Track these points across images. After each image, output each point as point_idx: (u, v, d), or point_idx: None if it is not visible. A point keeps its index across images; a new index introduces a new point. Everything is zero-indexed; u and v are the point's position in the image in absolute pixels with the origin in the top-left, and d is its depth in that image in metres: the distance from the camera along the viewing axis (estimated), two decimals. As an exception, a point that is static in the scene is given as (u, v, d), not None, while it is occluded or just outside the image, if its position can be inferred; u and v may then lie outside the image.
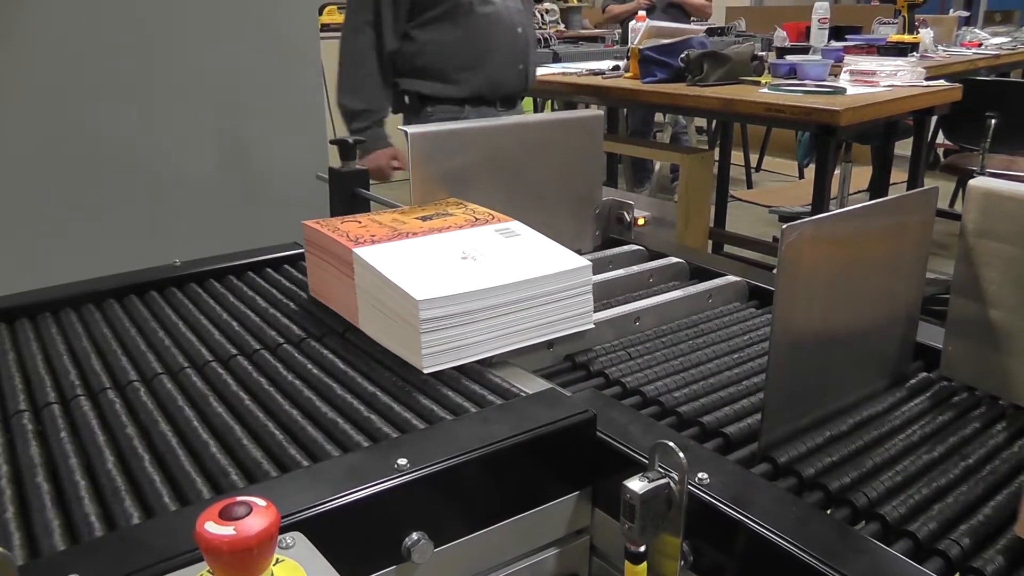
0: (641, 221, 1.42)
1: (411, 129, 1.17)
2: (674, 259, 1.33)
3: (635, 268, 1.29)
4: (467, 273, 0.92)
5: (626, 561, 0.69)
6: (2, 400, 0.89)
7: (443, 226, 1.06)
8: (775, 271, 0.78)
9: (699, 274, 1.31)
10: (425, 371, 0.87)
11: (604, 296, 1.22)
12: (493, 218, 1.10)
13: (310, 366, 0.94)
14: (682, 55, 2.90)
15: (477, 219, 1.09)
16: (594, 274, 1.28)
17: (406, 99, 2.53)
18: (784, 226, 0.75)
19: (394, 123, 2.09)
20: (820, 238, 0.79)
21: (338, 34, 2.53)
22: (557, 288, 0.96)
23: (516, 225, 1.08)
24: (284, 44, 2.33)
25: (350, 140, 1.52)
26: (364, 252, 0.95)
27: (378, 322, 0.95)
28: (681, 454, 0.66)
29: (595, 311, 1.14)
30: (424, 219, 1.09)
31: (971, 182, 0.92)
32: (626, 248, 1.39)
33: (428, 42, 2.38)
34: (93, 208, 2.08)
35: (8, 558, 0.48)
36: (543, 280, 0.94)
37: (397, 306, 0.89)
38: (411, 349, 0.89)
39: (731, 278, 1.24)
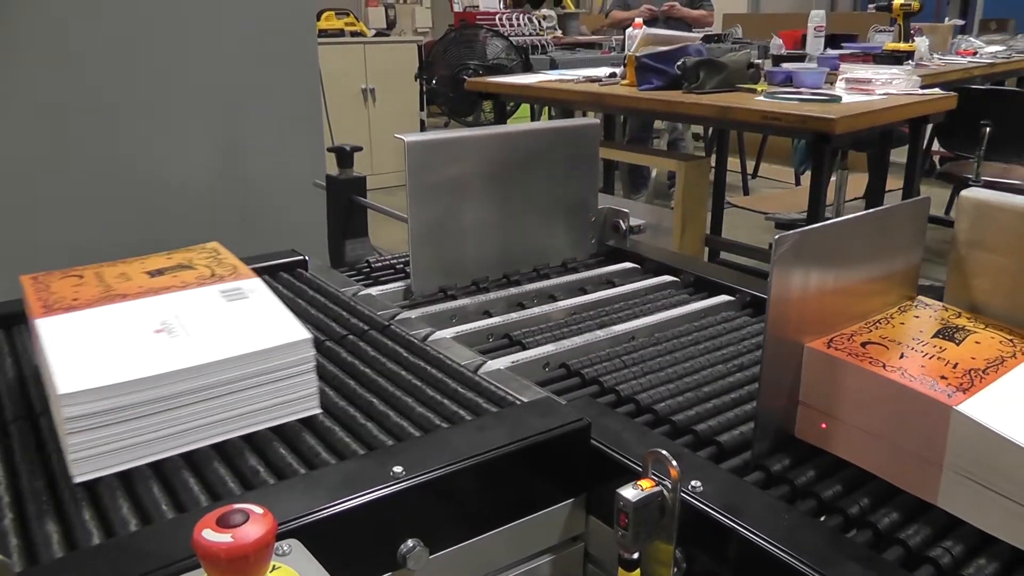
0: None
1: (407, 137, 1.18)
2: (667, 278, 1.33)
3: (628, 287, 1.29)
4: (149, 353, 0.77)
5: (620, 568, 0.69)
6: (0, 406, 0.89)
7: (164, 286, 0.93)
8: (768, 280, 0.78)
9: (694, 284, 1.32)
10: (76, 480, 0.72)
11: (600, 315, 1.20)
12: (233, 274, 0.97)
13: (307, 373, 0.94)
14: (679, 63, 2.91)
15: (212, 275, 0.97)
16: (588, 292, 1.29)
17: None
18: (775, 237, 0.75)
19: (388, 133, 2.08)
20: (812, 248, 0.80)
21: (335, 40, 2.53)
22: (263, 369, 0.80)
23: (250, 285, 0.94)
24: (281, 50, 2.34)
25: (347, 148, 1.53)
26: (46, 323, 0.82)
27: (54, 407, 0.79)
28: (674, 462, 0.67)
29: (592, 329, 1.14)
30: (154, 274, 0.97)
31: (962, 193, 0.93)
32: (620, 266, 1.39)
33: None
34: (90, 215, 2.08)
35: (7, 565, 0.49)
36: (241, 361, 0.78)
37: (54, 395, 0.74)
38: (65, 449, 0.73)
39: (724, 298, 1.25)
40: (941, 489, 0.75)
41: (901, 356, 0.82)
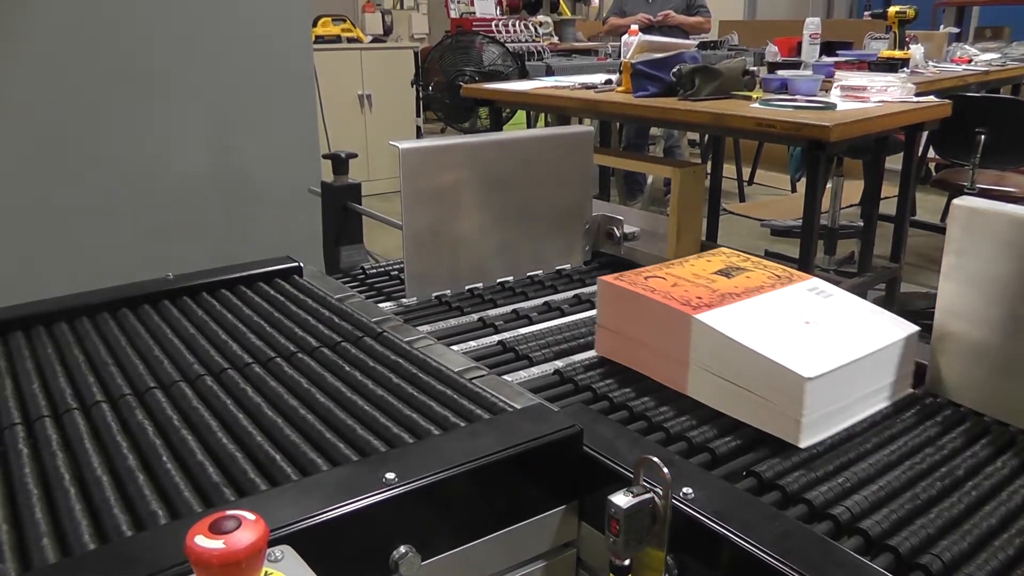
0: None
1: (402, 144, 1.18)
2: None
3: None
4: None
5: (611, 574, 0.70)
6: (-6, 413, 0.89)
7: None
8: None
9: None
10: None
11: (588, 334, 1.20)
12: None
13: (300, 380, 0.95)
14: (674, 69, 2.92)
15: None
16: (583, 302, 1.28)
17: None
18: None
19: (384, 139, 2.09)
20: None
21: (331, 46, 2.53)
22: None
23: None
24: (278, 57, 2.35)
25: (342, 155, 1.53)
26: None
27: None
28: (665, 469, 0.67)
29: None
30: None
31: (954, 201, 0.94)
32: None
33: None
34: (86, 221, 2.09)
35: (1, 570, 0.49)
36: None
37: None
38: None
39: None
40: (689, 382, 0.97)
41: (674, 285, 1.03)
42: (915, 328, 0.98)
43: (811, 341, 0.92)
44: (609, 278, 1.05)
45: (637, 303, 1.01)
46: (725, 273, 1.07)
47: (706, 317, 0.94)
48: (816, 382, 0.85)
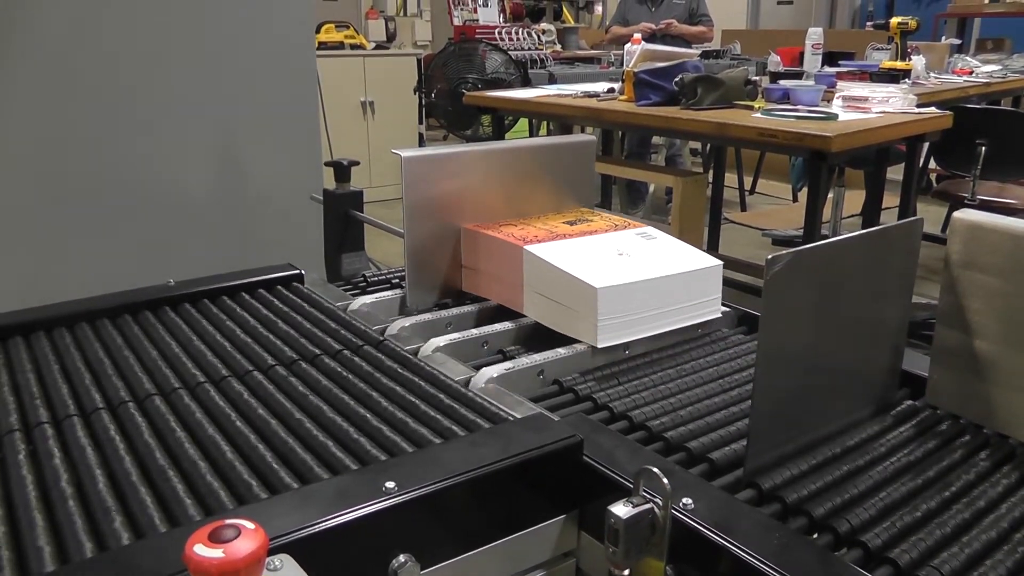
0: None
1: (404, 153, 1.18)
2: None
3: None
4: None
5: (610, 585, 0.70)
6: (-5, 418, 0.89)
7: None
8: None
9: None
10: None
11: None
12: None
13: (301, 388, 0.95)
14: (676, 79, 2.92)
15: None
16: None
17: None
18: (768, 256, 0.76)
19: (387, 146, 2.08)
20: (804, 268, 0.81)
21: (334, 53, 2.54)
22: None
23: None
24: (281, 63, 2.35)
25: (344, 162, 1.53)
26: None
27: None
28: (665, 480, 0.67)
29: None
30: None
31: (955, 214, 0.94)
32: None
33: None
34: (88, 226, 2.09)
35: (-1, 578, 0.49)
36: None
37: None
38: None
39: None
40: (524, 303, 1.17)
41: (521, 230, 1.22)
42: (717, 262, 1.18)
43: (615, 265, 1.12)
44: (471, 226, 1.25)
45: (488, 242, 1.22)
46: (571, 223, 1.28)
47: (533, 248, 1.15)
48: (606, 291, 1.06)
